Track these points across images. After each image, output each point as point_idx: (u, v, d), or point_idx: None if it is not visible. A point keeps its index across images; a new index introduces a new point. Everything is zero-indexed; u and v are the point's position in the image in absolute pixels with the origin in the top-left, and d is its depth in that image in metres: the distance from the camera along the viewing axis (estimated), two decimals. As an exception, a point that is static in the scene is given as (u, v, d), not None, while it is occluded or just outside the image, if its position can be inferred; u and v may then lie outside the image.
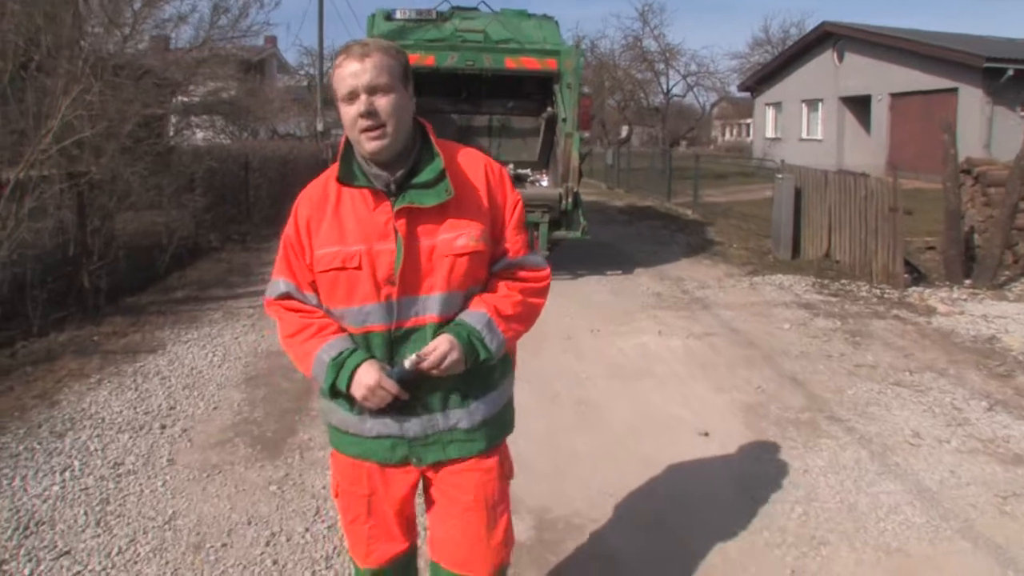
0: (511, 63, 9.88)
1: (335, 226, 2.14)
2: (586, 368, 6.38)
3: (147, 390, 5.89)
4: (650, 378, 6.11)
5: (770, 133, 33.26)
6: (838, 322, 7.86)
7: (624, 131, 35.30)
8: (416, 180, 2.11)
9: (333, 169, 2.17)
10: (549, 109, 10.68)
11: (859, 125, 27.46)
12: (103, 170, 8.51)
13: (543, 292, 2.30)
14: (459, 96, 11.33)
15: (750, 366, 6.38)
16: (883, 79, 24.78)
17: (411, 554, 2.50)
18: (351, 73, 2.04)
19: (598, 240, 13.27)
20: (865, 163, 24.68)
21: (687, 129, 33.59)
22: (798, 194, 11.83)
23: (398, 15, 10.38)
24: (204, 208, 12.22)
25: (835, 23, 27.23)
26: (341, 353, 2.13)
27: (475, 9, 10.98)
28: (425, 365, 2.06)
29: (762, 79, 32.53)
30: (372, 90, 2.03)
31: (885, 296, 9.10)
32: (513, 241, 2.23)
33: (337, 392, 2.16)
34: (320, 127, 32.76)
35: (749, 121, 62.03)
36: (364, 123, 2.03)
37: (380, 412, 2.17)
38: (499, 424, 2.34)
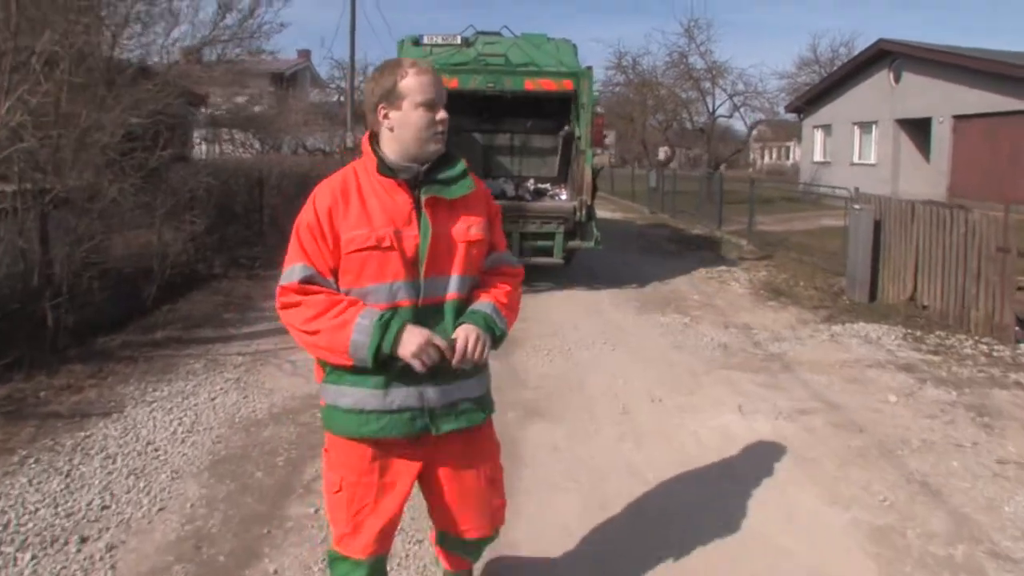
0: (530, 85, 10.50)
1: (362, 211, 2.41)
2: (648, 461, 4.92)
3: (82, 476, 4.53)
4: (736, 480, 4.63)
5: (818, 156, 31.63)
6: (952, 392, 6.35)
7: (662, 153, 33.90)
8: (440, 176, 2.50)
9: (353, 164, 2.54)
10: (566, 128, 11.31)
11: (916, 150, 25.81)
12: (76, 186, 7.25)
13: (520, 285, 2.72)
14: (482, 116, 11.88)
15: (865, 463, 4.89)
16: (945, 100, 23.14)
17: (387, 553, 2.71)
18: (433, 84, 2.47)
19: (649, 275, 11.84)
20: (922, 190, 23.05)
21: (734, 151, 32.06)
22: (877, 228, 10.34)
23: (426, 40, 11.17)
24: (205, 230, 10.95)
25: (892, 40, 25.64)
26: (383, 315, 2.34)
27: (498, 34, 11.67)
28: (477, 357, 2.43)
29: (811, 100, 30.93)
30: (445, 106, 2.49)
31: (995, 354, 7.58)
32: (499, 239, 2.71)
33: (380, 357, 2.32)
34: (350, 142, 31.71)
35: (789, 144, 60.67)
36: (440, 128, 2.46)
37: (416, 377, 2.40)
38: (489, 399, 2.69)
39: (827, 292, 10.84)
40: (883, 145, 26.65)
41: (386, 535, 2.61)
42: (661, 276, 11.98)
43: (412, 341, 2.32)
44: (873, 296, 10.36)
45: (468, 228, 2.51)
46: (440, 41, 11.26)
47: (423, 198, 2.43)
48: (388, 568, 2.98)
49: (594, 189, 10.65)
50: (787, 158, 64.06)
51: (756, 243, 15.39)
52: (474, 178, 2.58)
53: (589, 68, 10.94)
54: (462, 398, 2.53)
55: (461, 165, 2.55)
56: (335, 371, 2.49)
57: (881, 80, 26.53)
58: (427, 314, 2.44)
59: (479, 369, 2.58)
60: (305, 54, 46.42)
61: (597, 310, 9.47)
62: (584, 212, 10.35)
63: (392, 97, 2.45)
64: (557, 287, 10.98)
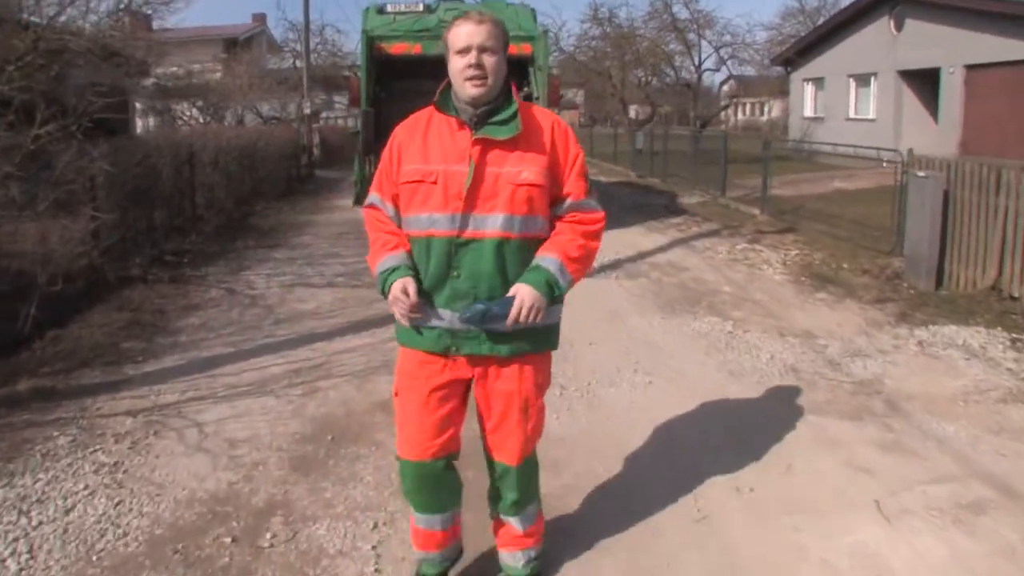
0: None
1: (422, 148, 2.70)
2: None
3: None
4: None
5: (809, 112, 29.66)
6: None
7: (633, 111, 31.79)
8: (493, 119, 2.65)
9: (430, 107, 2.76)
10: (525, 89, 11.52)
11: (920, 103, 23.91)
12: None
13: (598, 235, 2.82)
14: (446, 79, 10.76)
15: None
16: (956, 49, 21.16)
17: (454, 452, 2.92)
18: (467, 32, 2.61)
19: (659, 257, 9.83)
20: (927, 146, 21.15)
21: (721, 107, 29.97)
22: (945, 199, 8.42)
23: (389, 8, 11.75)
24: (116, 222, 8.79)
25: (893, -16, 23.63)
26: (387, 268, 2.71)
27: (459, 0, 12.19)
28: (522, 321, 2.61)
29: (800, 52, 28.86)
30: (482, 49, 2.60)
31: None
32: (575, 186, 2.75)
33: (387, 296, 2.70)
34: (307, 109, 29.32)
35: (764, 100, 58.53)
36: (471, 72, 2.59)
37: (444, 300, 2.70)
38: (535, 337, 2.79)
39: (881, 277, 8.91)
40: (883, 99, 24.72)
41: (435, 438, 2.79)
42: (674, 258, 10.01)
43: (392, 292, 2.65)
44: (939, 282, 8.45)
45: (521, 171, 2.64)
46: (403, 8, 11.82)
47: (474, 138, 2.63)
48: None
49: None
50: (760, 114, 62.17)
51: (772, 212, 13.40)
52: (546, 123, 2.75)
53: (545, 32, 11.75)
54: (486, 327, 2.68)
55: (513, 108, 2.67)
56: None
57: (880, 28, 24.53)
58: (466, 247, 2.65)
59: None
60: (260, 18, 43.64)
61: (613, 313, 7.45)
62: None
63: (445, 49, 2.69)
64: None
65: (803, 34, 32.46)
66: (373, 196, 2.86)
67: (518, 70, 11.25)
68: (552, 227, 2.79)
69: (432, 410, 2.79)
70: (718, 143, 20.32)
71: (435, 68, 10.34)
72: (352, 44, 38.53)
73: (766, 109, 60.06)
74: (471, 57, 2.60)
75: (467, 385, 2.86)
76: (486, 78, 2.62)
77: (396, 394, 2.89)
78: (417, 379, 2.80)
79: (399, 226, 2.80)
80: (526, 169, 2.65)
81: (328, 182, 21.21)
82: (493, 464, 2.96)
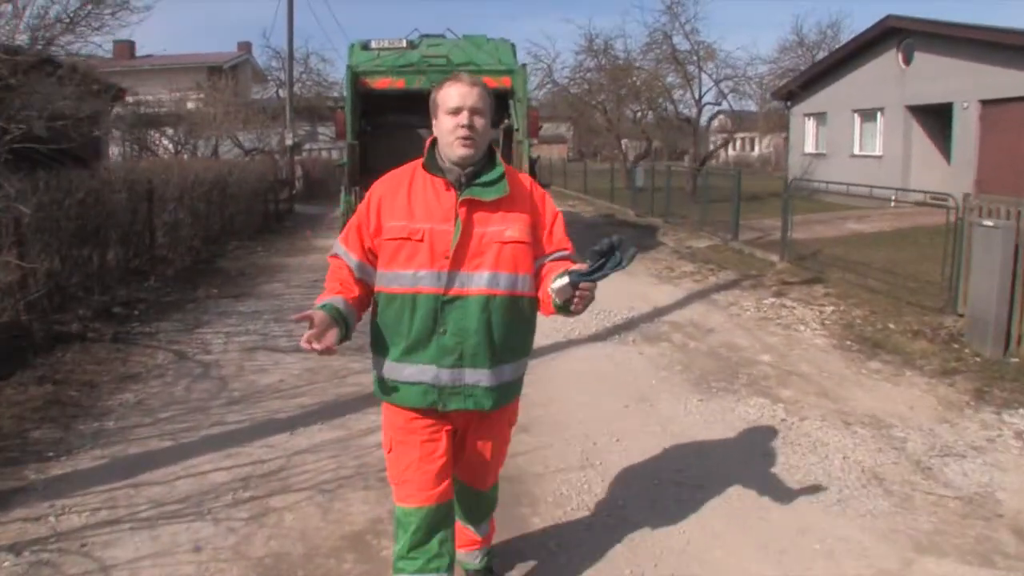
0: None
1: (406, 206, 2.72)
2: None
3: None
4: None
5: (810, 148, 28.66)
6: None
7: (624, 145, 30.78)
8: (479, 180, 2.72)
9: (416, 162, 2.82)
10: (506, 121, 11.75)
11: (929, 139, 22.92)
12: None
13: None
14: (429, 114, 10.24)
15: None
16: (970, 83, 20.18)
17: (452, 498, 2.96)
18: (460, 94, 2.67)
19: (679, 314, 8.59)
20: (938, 184, 20.17)
21: (721, 143, 28.89)
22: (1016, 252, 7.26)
23: (373, 45, 12.04)
24: (49, 271, 7.54)
25: (902, 17, 22.65)
26: (323, 304, 2.72)
27: (441, 36, 12.54)
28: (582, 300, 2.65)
29: (803, 85, 27.91)
30: (473, 111, 2.67)
31: None
32: (564, 243, 2.87)
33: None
34: (289, 140, 28.13)
35: (755, 135, 57.74)
36: (462, 132, 2.66)
37: (429, 356, 2.75)
38: (512, 389, 2.93)
39: (936, 341, 7.72)
40: (891, 135, 23.71)
41: (435, 486, 2.83)
42: (696, 316, 8.80)
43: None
44: (1006, 346, 7.28)
45: (505, 229, 2.71)
46: (387, 45, 12.09)
47: (460, 199, 2.69)
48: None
49: (533, 174, 10.49)
50: (751, 149, 61.55)
51: (792, 258, 12.22)
52: (526, 184, 2.86)
53: (524, 66, 11.91)
54: (472, 383, 2.76)
55: (499, 171, 2.76)
56: (372, 342, 2.89)
57: (888, 62, 23.58)
58: (452, 304, 2.70)
59: (506, 357, 2.82)
60: (245, 46, 42.63)
61: (639, 393, 6.19)
62: None
63: (434, 108, 2.77)
64: (562, 338, 7.75)
65: (802, 68, 31.62)
66: (338, 247, 2.87)
67: (498, 103, 10.97)
68: (536, 284, 2.85)
69: (431, 459, 2.84)
70: (725, 180, 19.29)
71: (417, 102, 8.62)
72: (337, 73, 37.44)
73: (756, 145, 59.42)
74: (463, 118, 2.67)
75: (454, 434, 2.94)
76: (476, 139, 2.69)
77: (390, 450, 2.92)
78: (412, 433, 2.83)
79: (360, 279, 2.83)
80: (511, 228, 2.73)
81: (308, 219, 19.91)
82: (460, 485, 3.10)
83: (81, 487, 4.39)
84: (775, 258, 12.49)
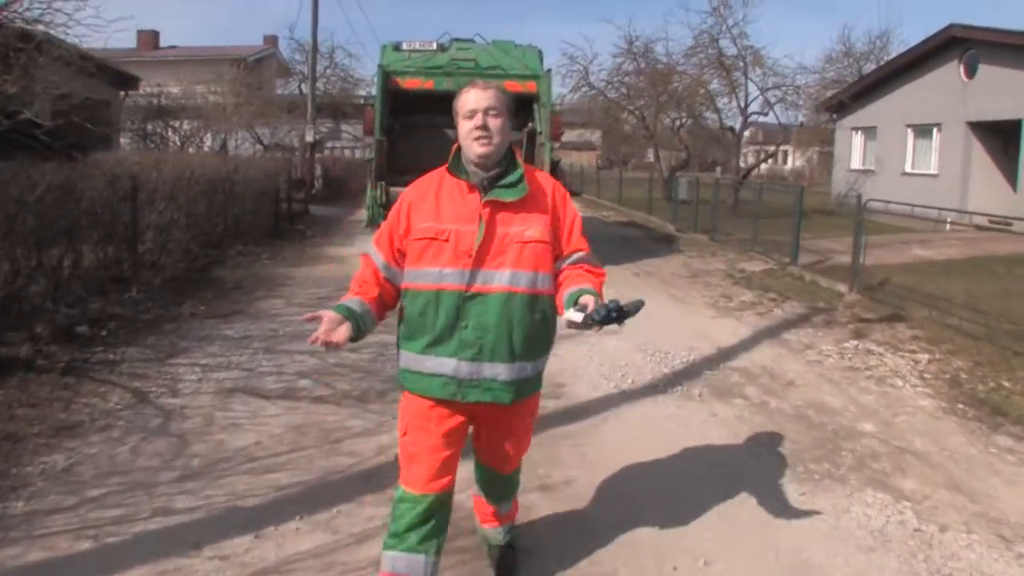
0: None
1: (434, 208, 2.87)
2: None
3: None
4: None
5: (857, 164, 27.10)
6: None
7: (651, 155, 29.30)
8: (502, 182, 2.86)
9: (442, 168, 2.95)
10: (530, 124, 12.40)
11: (991, 159, 21.35)
12: None
13: (603, 283, 2.97)
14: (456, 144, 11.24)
15: None
16: (1041, 99, 18.66)
17: (452, 491, 3.05)
18: (474, 98, 2.84)
19: (747, 358, 7.12)
20: (1001, 206, 18.66)
21: (765, 155, 27.31)
22: None
23: (405, 46, 12.74)
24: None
25: (966, 26, 21.09)
26: (341, 305, 2.89)
27: (471, 40, 13.07)
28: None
29: (850, 98, 26.30)
30: (487, 111, 2.82)
31: None
32: (581, 243, 2.99)
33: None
34: (310, 137, 26.86)
35: (787, 148, 55.90)
36: (477, 132, 2.81)
37: (449, 349, 2.84)
38: (531, 383, 3.01)
39: (1070, 407, 6.23)
40: (949, 152, 22.13)
41: (442, 475, 2.94)
42: (769, 361, 7.36)
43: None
44: None
45: (525, 230, 2.84)
46: (418, 47, 12.67)
47: (483, 200, 2.84)
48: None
49: (554, 175, 10.62)
50: (784, 162, 59.85)
51: (864, 290, 10.74)
52: (547, 185, 3.00)
53: (549, 71, 12.48)
54: (490, 376, 2.85)
55: (519, 173, 2.90)
56: (398, 335, 3.01)
57: (949, 74, 22.01)
58: (473, 301, 2.82)
59: (527, 355, 2.91)
60: (272, 40, 41.51)
61: (718, 475, 4.76)
62: None
63: (455, 115, 2.91)
64: (613, 388, 6.34)
65: (848, 79, 30.00)
66: (370, 246, 3.04)
67: (523, 107, 11.85)
68: (556, 283, 2.95)
69: (441, 450, 2.93)
70: (772, 196, 17.80)
71: (445, 103, 12.26)
72: (364, 69, 36.28)
73: (790, 158, 57.70)
74: (477, 120, 2.83)
75: (468, 425, 3.05)
76: (491, 137, 2.84)
77: (404, 434, 3.00)
78: (428, 421, 2.92)
79: (386, 279, 2.98)
80: (531, 228, 2.86)
81: (324, 222, 18.54)
82: (483, 468, 3.30)
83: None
84: (843, 288, 11.00)
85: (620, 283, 11.17)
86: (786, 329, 8.73)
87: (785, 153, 58.08)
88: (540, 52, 13.17)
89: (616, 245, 15.57)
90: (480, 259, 2.79)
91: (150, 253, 9.91)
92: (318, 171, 26.30)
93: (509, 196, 2.83)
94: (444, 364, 2.85)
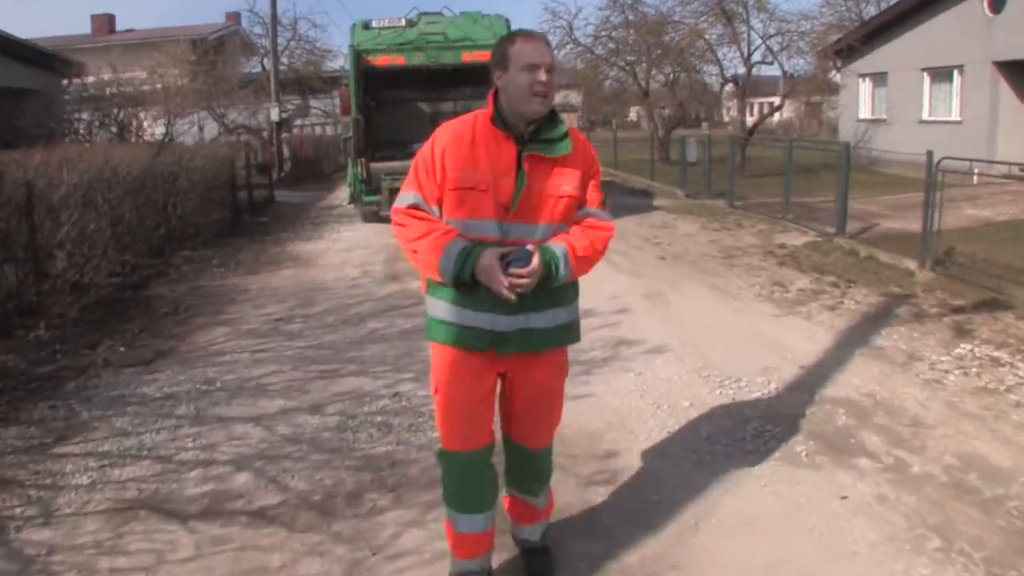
0: (467, 57, 12.61)
1: (470, 156, 2.74)
2: None
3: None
4: None
5: (866, 113, 25.24)
6: None
7: (634, 112, 27.36)
8: (543, 136, 2.78)
9: (476, 113, 2.84)
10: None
11: (1021, 101, 19.50)
12: None
13: (607, 239, 2.91)
14: (428, 87, 14.39)
15: None
16: (1082, 32, 16.76)
17: (494, 442, 3.02)
18: (539, 51, 2.72)
19: (861, 399, 5.17)
20: (1034, 153, 16.88)
21: (770, 111, 25.28)
22: None
23: (374, 24, 13.07)
24: None
25: (990, -46, 19.17)
26: (466, 247, 2.71)
27: (438, 13, 13.68)
28: (526, 272, 2.65)
29: (858, 42, 24.29)
30: (549, 68, 2.71)
31: None
32: (591, 195, 2.91)
33: (461, 280, 2.71)
34: (275, 116, 24.75)
35: (773, 99, 53.81)
36: (540, 88, 2.69)
37: (485, 301, 2.75)
38: (566, 332, 2.96)
39: None
40: (973, 96, 20.25)
41: (478, 430, 2.91)
42: (875, 385, 5.51)
43: (481, 266, 2.67)
44: None
45: (561, 185, 2.80)
46: (387, 24, 12.96)
47: (524, 154, 2.75)
48: None
49: None
50: (770, 115, 57.69)
51: (932, 263, 8.89)
52: (581, 140, 2.90)
53: None
54: (527, 327, 2.81)
55: (563, 128, 2.81)
56: (431, 285, 2.88)
57: (970, 10, 20.07)
58: (508, 253, 2.73)
59: (555, 302, 2.87)
60: (234, 17, 39.04)
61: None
62: None
63: (504, 62, 2.75)
64: (682, 449, 4.47)
65: (847, 24, 27.96)
66: (414, 197, 2.82)
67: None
68: None
69: (477, 402, 2.88)
70: (770, 152, 15.95)
71: (418, 77, 13.46)
72: (330, 40, 34.12)
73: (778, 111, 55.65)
74: (541, 74, 2.69)
75: (500, 378, 2.98)
76: (551, 96, 2.75)
77: (436, 391, 2.95)
78: (461, 372, 2.86)
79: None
80: (566, 183, 2.81)
81: (291, 211, 16.47)
82: (514, 448, 3.16)
83: None
84: (911, 264, 9.16)
85: (648, 273, 9.31)
86: (872, 329, 6.87)
87: (772, 105, 56.08)
88: (508, 20, 13.56)
89: (626, 220, 13.66)
90: (520, 213, 2.76)
91: (73, 271, 7.97)
92: (286, 153, 24.26)
93: (552, 152, 2.78)
94: (480, 317, 2.79)
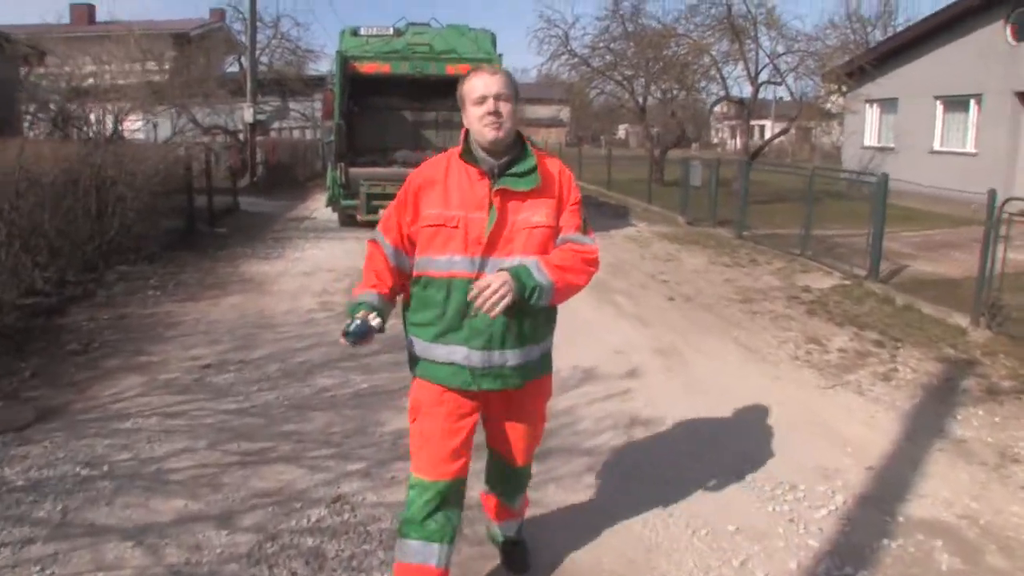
0: (451, 69, 12.92)
1: (443, 194, 2.75)
2: None
3: None
4: None
5: (872, 140, 24.15)
6: None
7: (623, 131, 26.11)
8: (512, 170, 2.74)
9: (452, 151, 2.83)
10: None
11: (1041, 134, 18.39)
12: None
13: (590, 261, 2.81)
14: (412, 96, 14.54)
15: None
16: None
17: (465, 477, 2.89)
18: (483, 83, 2.70)
19: (954, 522, 3.76)
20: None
21: (778, 133, 24.00)
22: None
23: (363, 31, 13.54)
24: None
25: (1015, -19, 18.06)
26: (359, 301, 2.76)
27: (426, 24, 13.98)
28: (490, 299, 2.54)
29: (863, 67, 23.13)
30: (497, 96, 2.68)
31: None
32: (567, 222, 2.83)
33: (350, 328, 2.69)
34: (249, 117, 23.33)
35: (766, 123, 52.71)
36: (488, 118, 2.67)
37: (459, 337, 2.73)
38: (540, 364, 2.93)
39: None
40: (991, 127, 19.14)
41: (453, 462, 2.81)
42: (969, 499, 4.18)
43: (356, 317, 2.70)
44: None
45: (533, 215, 2.75)
46: (375, 32, 13.51)
47: (495, 188, 2.71)
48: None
49: None
50: (759, 137, 56.82)
51: (984, 318, 7.62)
52: (555, 167, 2.87)
53: (500, 55, 13.45)
54: (500, 364, 2.76)
55: (531, 162, 2.77)
56: (407, 319, 2.89)
57: (991, 37, 18.97)
58: None
59: (532, 339, 2.83)
60: (219, 13, 37.57)
61: None
62: None
63: (461, 101, 2.79)
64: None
65: (852, 47, 26.83)
66: (377, 233, 2.90)
67: None
68: None
69: (452, 436, 2.81)
70: (766, 176, 14.71)
71: (402, 86, 14.49)
72: (314, 39, 32.79)
73: (767, 134, 54.68)
74: (488, 105, 2.69)
75: (479, 411, 2.91)
76: (502, 123, 2.70)
77: (413, 420, 2.90)
78: (439, 407, 2.82)
79: (396, 267, 2.85)
80: (538, 213, 2.76)
81: (255, 222, 14.94)
82: (497, 462, 3.17)
83: None
84: (960, 320, 7.88)
85: (657, 320, 7.95)
86: (942, 411, 5.55)
87: (762, 128, 54.94)
88: (493, 35, 13.99)
89: (626, 249, 12.33)
90: (491, 247, 2.70)
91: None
92: (259, 157, 22.82)
93: (521, 186, 2.74)
94: (455, 352, 2.76)
